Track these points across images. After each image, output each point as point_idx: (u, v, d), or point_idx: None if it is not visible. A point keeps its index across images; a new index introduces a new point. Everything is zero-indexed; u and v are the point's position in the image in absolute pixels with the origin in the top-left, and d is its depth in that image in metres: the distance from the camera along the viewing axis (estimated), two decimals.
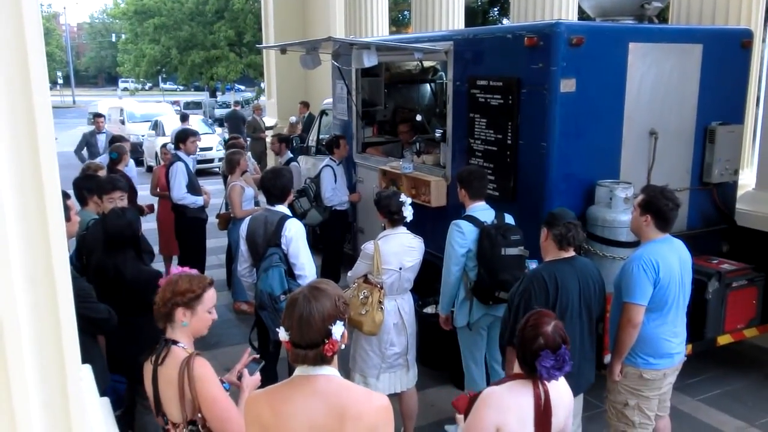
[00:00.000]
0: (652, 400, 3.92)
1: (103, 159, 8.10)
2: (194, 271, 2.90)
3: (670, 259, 3.75)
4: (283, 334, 2.17)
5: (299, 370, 2.22)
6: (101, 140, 10.94)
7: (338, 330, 2.16)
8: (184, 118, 18.18)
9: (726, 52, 5.55)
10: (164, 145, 8.50)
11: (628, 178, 5.10)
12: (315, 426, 2.15)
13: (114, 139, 8.46)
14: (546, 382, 2.60)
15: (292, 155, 9.10)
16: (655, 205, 3.73)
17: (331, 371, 2.22)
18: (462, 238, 4.46)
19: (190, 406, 2.64)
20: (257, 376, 2.91)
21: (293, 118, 13.54)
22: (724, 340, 5.23)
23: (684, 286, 3.84)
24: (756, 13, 6.35)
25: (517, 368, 2.68)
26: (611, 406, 4.01)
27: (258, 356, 3.03)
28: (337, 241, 7.75)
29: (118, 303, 3.93)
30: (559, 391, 2.68)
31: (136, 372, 2.88)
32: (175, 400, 2.66)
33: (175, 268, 2.91)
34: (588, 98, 4.88)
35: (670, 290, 3.74)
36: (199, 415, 2.64)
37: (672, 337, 3.85)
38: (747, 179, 6.52)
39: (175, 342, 2.76)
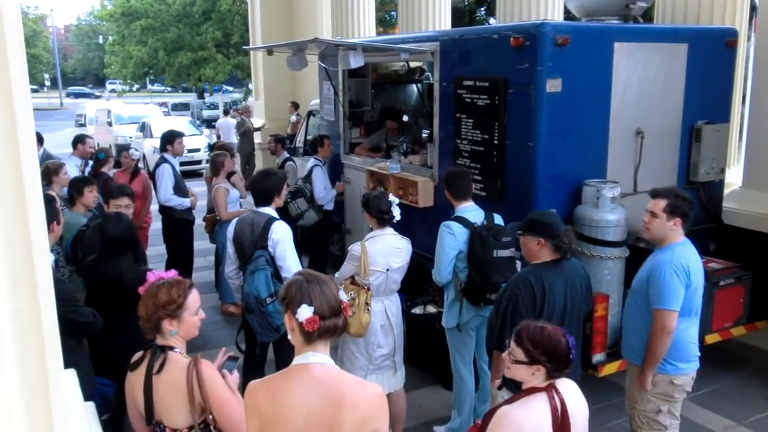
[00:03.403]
0: (681, 401, 3.90)
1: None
2: (170, 274, 2.86)
3: (695, 261, 3.71)
4: (306, 310, 2.22)
5: (298, 359, 2.28)
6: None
7: (343, 296, 2.35)
8: (226, 112, 18.38)
9: (711, 52, 5.59)
10: (125, 150, 8.33)
11: (615, 177, 5.13)
12: (312, 414, 2.19)
13: (78, 139, 8.20)
14: (560, 392, 2.55)
15: (288, 155, 9.09)
16: (681, 208, 3.69)
17: (326, 359, 2.29)
18: (453, 239, 4.45)
19: (198, 408, 2.64)
20: (236, 373, 2.90)
21: (293, 117, 13.55)
22: (712, 338, 5.25)
23: (702, 289, 3.82)
24: (741, 13, 6.39)
25: (529, 383, 2.59)
26: (640, 415, 3.88)
27: (233, 354, 3.01)
28: (324, 242, 7.75)
29: (113, 306, 3.90)
30: (575, 398, 2.62)
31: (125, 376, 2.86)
32: (181, 405, 2.64)
33: (152, 274, 2.85)
34: (574, 98, 4.90)
35: (697, 294, 3.72)
36: (210, 416, 2.65)
37: (696, 340, 3.83)
38: (733, 178, 6.57)
39: (171, 348, 2.74)
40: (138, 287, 3.87)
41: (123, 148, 7.96)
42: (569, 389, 2.61)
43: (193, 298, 2.82)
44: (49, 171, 6.02)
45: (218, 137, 17.52)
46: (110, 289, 4.05)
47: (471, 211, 4.58)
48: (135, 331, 3.82)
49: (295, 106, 14.44)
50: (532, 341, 2.55)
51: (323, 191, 7.32)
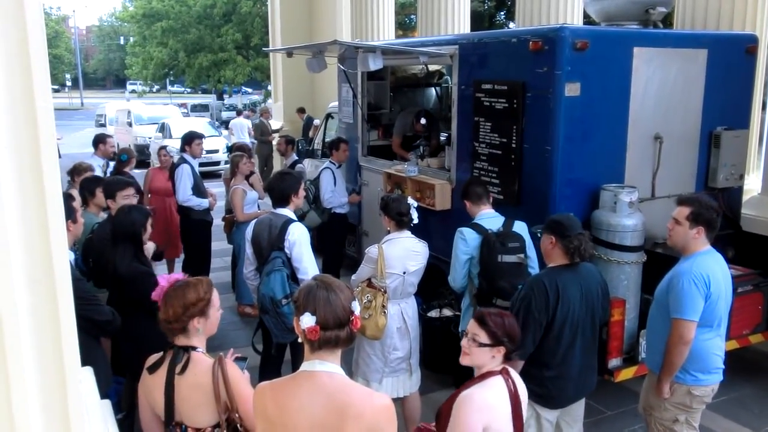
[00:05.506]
0: (700, 411, 3.84)
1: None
2: (176, 276, 2.87)
3: (718, 272, 3.64)
4: (308, 319, 2.19)
5: (305, 366, 2.27)
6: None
7: (356, 307, 2.29)
8: (239, 112, 18.59)
9: (731, 58, 5.54)
10: (163, 147, 8.41)
11: (633, 182, 5.09)
12: (316, 422, 2.19)
13: (98, 139, 8.27)
14: (513, 375, 2.81)
15: (297, 157, 9.12)
16: (705, 216, 3.60)
17: (334, 368, 2.26)
18: (464, 245, 4.48)
19: (223, 407, 2.66)
20: (247, 373, 2.91)
21: (317, 121, 13.60)
22: (729, 346, 5.15)
23: (728, 300, 3.74)
24: (761, 19, 6.32)
25: (486, 367, 2.83)
26: (657, 423, 3.84)
27: (240, 354, 3.03)
28: (337, 244, 7.75)
29: (121, 302, 3.95)
30: (520, 382, 2.88)
31: (139, 374, 2.88)
32: (205, 404, 2.66)
33: (162, 278, 2.85)
34: (593, 102, 4.88)
35: (719, 304, 3.64)
36: (237, 415, 2.67)
37: (720, 352, 3.76)
38: (753, 184, 6.50)
39: (194, 348, 2.76)
40: (130, 281, 3.92)
41: (161, 147, 8.14)
42: (515, 374, 2.86)
43: (216, 294, 2.88)
44: (75, 170, 6.06)
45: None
46: (110, 280, 4.10)
47: (489, 218, 4.59)
48: (146, 328, 3.87)
49: (301, 111, 14.56)
50: (495, 323, 2.78)
51: (329, 194, 7.32)
